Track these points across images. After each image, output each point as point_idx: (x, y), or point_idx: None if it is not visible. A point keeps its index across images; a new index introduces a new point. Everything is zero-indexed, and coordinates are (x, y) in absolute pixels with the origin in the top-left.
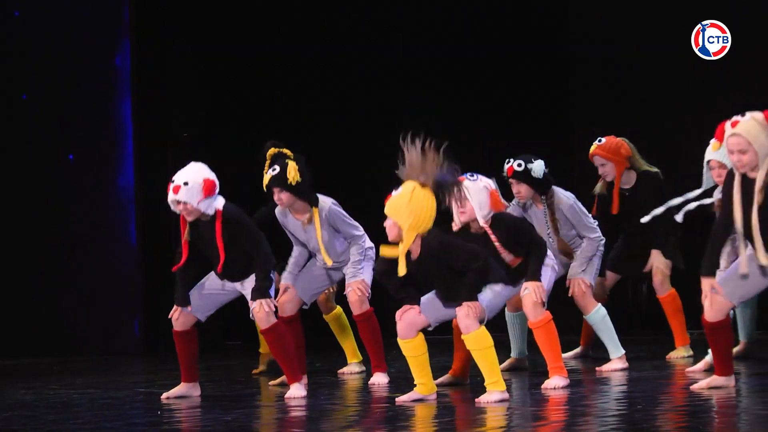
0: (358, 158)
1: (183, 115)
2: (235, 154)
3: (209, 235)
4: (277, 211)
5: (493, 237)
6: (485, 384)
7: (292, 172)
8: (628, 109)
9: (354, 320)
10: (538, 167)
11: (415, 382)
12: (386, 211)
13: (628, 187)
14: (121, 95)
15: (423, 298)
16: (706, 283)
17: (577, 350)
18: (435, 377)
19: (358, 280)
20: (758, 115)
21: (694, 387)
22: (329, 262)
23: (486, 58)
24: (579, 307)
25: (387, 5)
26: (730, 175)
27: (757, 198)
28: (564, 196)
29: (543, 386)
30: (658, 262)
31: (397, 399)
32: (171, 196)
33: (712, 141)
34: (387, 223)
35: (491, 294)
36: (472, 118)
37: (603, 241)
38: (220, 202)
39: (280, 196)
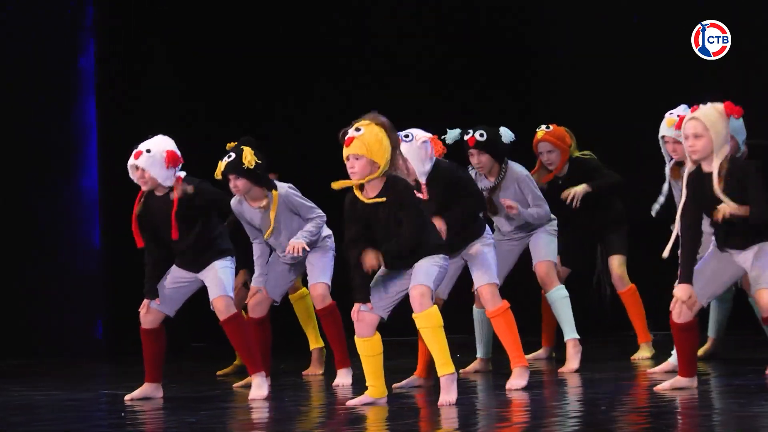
0: (332, 160)
1: (149, 116)
2: (203, 156)
3: (163, 211)
4: (233, 201)
5: (424, 195)
6: (437, 366)
7: (248, 157)
8: (628, 110)
9: (318, 314)
10: (506, 133)
11: (366, 384)
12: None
13: (562, 175)
14: (85, 96)
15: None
16: (684, 290)
17: (540, 352)
18: (399, 379)
19: (298, 241)
20: (719, 105)
21: (658, 388)
22: (267, 237)
23: (468, 61)
24: (541, 284)
25: (362, 4)
26: (689, 176)
27: (717, 188)
28: (519, 167)
29: (507, 386)
30: (616, 267)
31: (347, 402)
32: (131, 161)
33: (667, 116)
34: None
35: (436, 270)
36: (440, 116)
37: (555, 221)
38: (180, 175)
39: (236, 183)
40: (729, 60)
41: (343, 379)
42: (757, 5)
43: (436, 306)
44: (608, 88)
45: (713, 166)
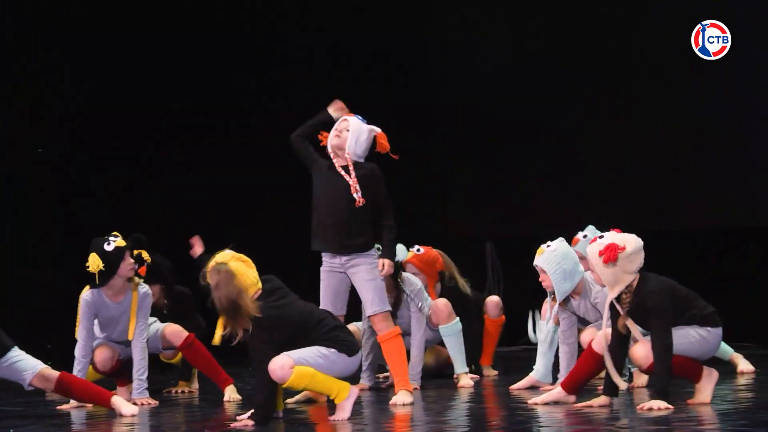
0: (223, 182)
1: (43, 131)
2: (92, 172)
3: None
4: (88, 295)
5: (352, 176)
6: (333, 399)
7: (91, 264)
8: (627, 110)
9: (180, 350)
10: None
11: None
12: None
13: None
14: None
15: None
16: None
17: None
18: (294, 393)
19: (142, 399)
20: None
21: (532, 401)
22: (130, 337)
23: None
24: (438, 314)
25: (264, 30)
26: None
27: (620, 322)
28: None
29: (391, 402)
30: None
31: (238, 417)
32: None
33: (542, 247)
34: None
35: (320, 357)
36: None
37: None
38: None
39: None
40: (729, 60)
41: (233, 393)
42: (757, 5)
43: (296, 368)
44: (605, 90)
45: (607, 299)
